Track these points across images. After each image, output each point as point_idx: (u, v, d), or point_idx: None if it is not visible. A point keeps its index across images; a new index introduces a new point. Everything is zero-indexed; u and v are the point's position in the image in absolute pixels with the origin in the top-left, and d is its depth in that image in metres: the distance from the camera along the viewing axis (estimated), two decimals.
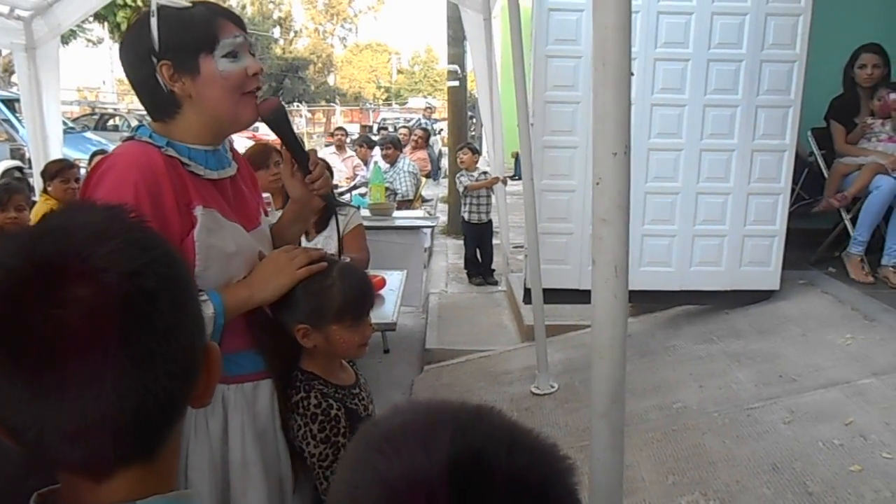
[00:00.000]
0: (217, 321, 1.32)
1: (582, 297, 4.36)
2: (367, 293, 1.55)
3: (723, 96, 4.04)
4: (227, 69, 1.34)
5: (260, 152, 3.28)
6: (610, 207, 1.22)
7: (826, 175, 4.66)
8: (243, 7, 35.81)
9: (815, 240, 4.74)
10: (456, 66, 8.18)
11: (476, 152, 6.40)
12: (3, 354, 0.56)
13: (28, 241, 0.58)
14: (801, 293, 4.28)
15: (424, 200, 8.37)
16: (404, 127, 12.61)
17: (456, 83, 8.27)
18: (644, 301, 4.48)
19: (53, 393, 0.56)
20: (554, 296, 4.15)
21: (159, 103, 1.36)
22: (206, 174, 1.39)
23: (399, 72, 55.97)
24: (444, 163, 12.98)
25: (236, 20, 1.39)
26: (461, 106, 8.54)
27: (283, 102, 1.58)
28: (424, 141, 8.88)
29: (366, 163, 8.18)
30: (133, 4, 18.08)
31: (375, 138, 10.42)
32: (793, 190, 4.30)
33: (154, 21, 1.30)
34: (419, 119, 15.02)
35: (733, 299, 4.31)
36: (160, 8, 1.30)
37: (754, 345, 3.83)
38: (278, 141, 1.59)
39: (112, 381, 0.57)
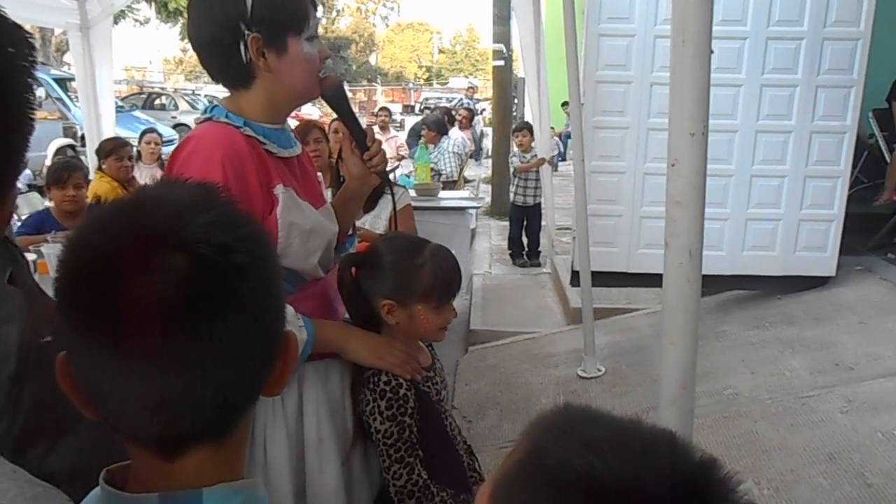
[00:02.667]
0: (306, 350, 1.36)
1: (630, 279, 4.32)
2: (456, 277, 1.56)
3: (781, 76, 3.92)
4: (309, 52, 1.37)
5: (301, 129, 3.31)
6: (685, 189, 1.19)
7: (888, 158, 4.50)
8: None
9: (873, 225, 4.59)
10: (501, 46, 8.08)
11: (527, 133, 6.34)
12: (94, 319, 0.56)
13: (125, 209, 0.59)
14: (859, 280, 4.16)
15: (467, 181, 8.33)
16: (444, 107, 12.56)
17: (501, 62, 8.18)
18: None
19: (140, 362, 0.55)
20: (601, 278, 4.10)
21: (232, 71, 1.35)
22: (279, 153, 1.40)
23: (440, 51, 55.69)
24: (487, 143, 12.93)
25: (315, 3, 1.40)
26: (506, 86, 8.46)
27: (342, 80, 1.58)
28: (468, 121, 8.83)
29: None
30: None
31: (417, 118, 10.38)
32: (851, 173, 4.17)
33: None
34: (461, 99, 14.94)
35: (787, 285, 4.21)
36: None
37: (808, 332, 3.74)
38: (320, 118, 1.59)
39: (198, 355, 0.56)
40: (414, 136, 8.91)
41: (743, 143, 4.02)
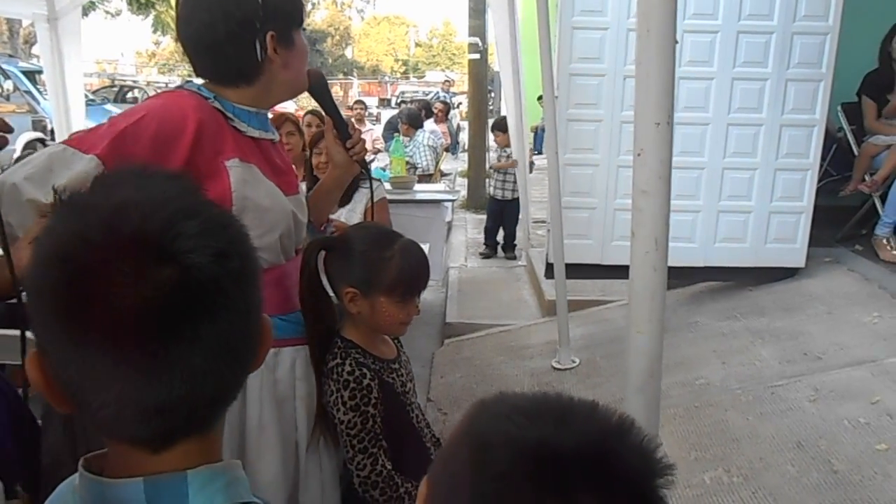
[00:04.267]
0: None
1: (604, 272, 4.34)
2: (422, 274, 1.57)
3: (752, 69, 3.96)
4: (305, 43, 1.47)
5: (275, 121, 3.29)
6: (651, 178, 1.20)
7: (856, 152, 4.58)
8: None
9: (841, 217, 4.67)
10: (477, 39, 8.09)
11: (506, 131, 6.36)
12: (90, 332, 0.55)
13: (108, 214, 0.57)
14: (827, 271, 4.22)
15: (443, 174, 8.33)
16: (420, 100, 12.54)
17: (477, 56, 8.19)
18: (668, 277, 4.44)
19: (139, 373, 0.55)
20: (576, 271, 4.12)
21: (242, 69, 1.38)
22: (247, 131, 1.43)
23: (417, 45, 55.55)
24: (463, 137, 12.93)
25: None
26: (482, 79, 8.46)
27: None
28: (444, 114, 8.82)
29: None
30: None
31: (393, 112, 10.35)
32: (820, 166, 4.23)
33: None
34: (438, 92, 14.92)
35: (758, 276, 4.26)
36: None
37: (778, 322, 3.80)
38: (296, 111, 1.63)
39: (198, 360, 0.57)
40: (390, 129, 8.89)
41: (714, 136, 4.06)
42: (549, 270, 4.08)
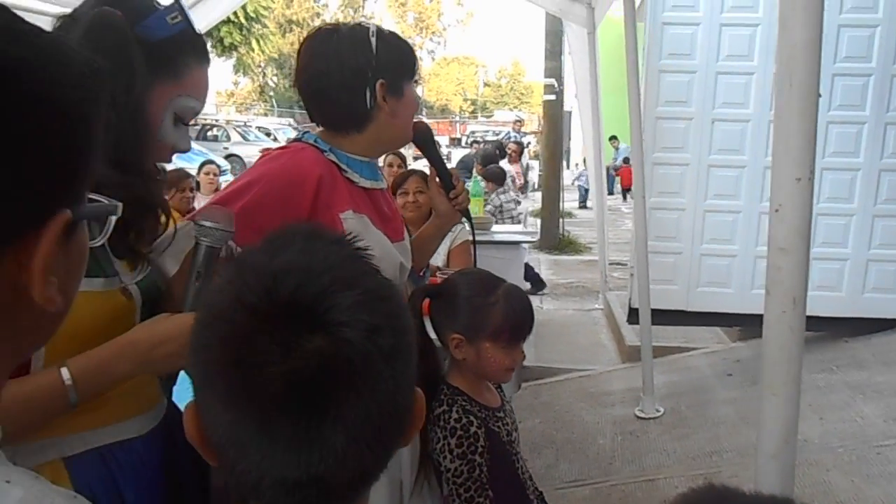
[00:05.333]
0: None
1: (689, 318, 4.23)
2: (527, 319, 1.56)
3: (848, 113, 3.84)
4: (417, 96, 1.51)
5: (401, 175, 3.41)
6: (790, 235, 1.15)
7: None
8: (337, 21, 36.70)
9: None
10: (553, 80, 8.12)
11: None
12: (238, 395, 0.55)
13: (267, 277, 0.57)
14: None
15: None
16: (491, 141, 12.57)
17: (552, 97, 8.20)
18: (752, 325, 4.28)
19: (278, 444, 0.54)
20: (659, 316, 4.01)
21: (353, 115, 1.44)
22: (360, 182, 1.47)
23: (486, 84, 56.19)
24: (533, 176, 12.92)
25: None
26: (557, 120, 8.46)
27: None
28: (518, 155, 8.84)
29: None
30: (236, 21, 18.93)
31: (468, 151, 10.41)
32: None
33: (374, 41, 1.40)
34: (509, 132, 14.98)
35: (854, 327, 4.06)
36: (378, 30, 1.43)
37: (880, 377, 3.60)
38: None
39: (339, 441, 0.55)
40: (463, 168, 8.95)
41: (752, 179, 3.95)
42: (633, 315, 3.99)
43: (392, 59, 1.43)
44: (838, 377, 3.71)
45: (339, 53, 1.41)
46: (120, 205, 0.59)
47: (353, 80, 1.41)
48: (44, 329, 0.53)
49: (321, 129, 1.50)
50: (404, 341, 0.60)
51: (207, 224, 1.09)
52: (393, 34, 1.48)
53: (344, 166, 1.45)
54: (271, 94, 37.17)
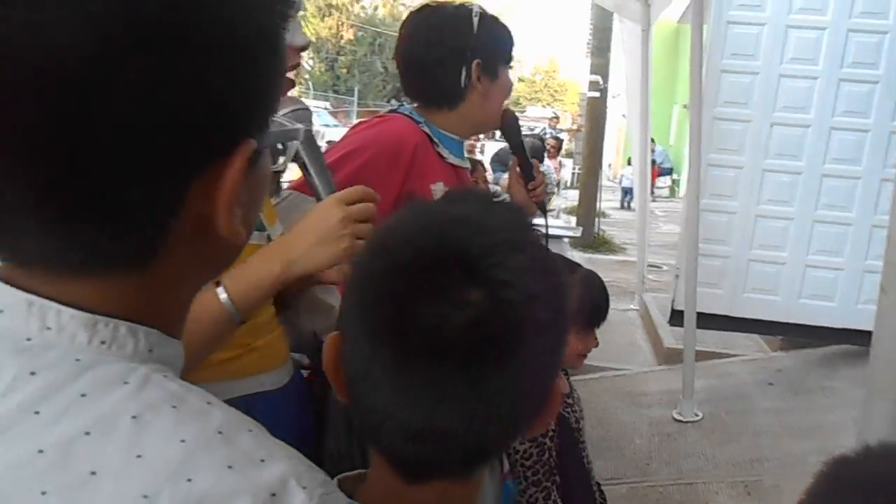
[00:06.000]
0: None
1: (732, 324, 4.17)
2: (603, 305, 1.56)
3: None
4: (511, 82, 1.55)
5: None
6: None
7: None
8: (375, 9, 36.80)
9: None
10: (598, 77, 8.04)
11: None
12: (381, 332, 0.54)
13: (440, 223, 0.56)
14: None
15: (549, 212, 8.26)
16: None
17: (597, 94, 8.12)
18: (797, 335, 4.22)
19: (409, 389, 0.53)
20: (701, 320, 3.96)
21: (447, 91, 1.47)
22: (448, 158, 1.50)
23: (519, 79, 55.92)
24: (565, 174, 12.85)
25: None
26: (600, 118, 8.38)
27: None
28: (556, 151, 8.78)
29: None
30: None
31: (502, 145, 10.35)
32: None
33: (476, 21, 1.43)
34: (544, 128, 14.92)
35: None
36: (481, 13, 1.46)
37: None
38: None
39: (472, 399, 0.53)
40: (497, 161, 8.91)
41: (865, 191, 3.85)
42: (676, 317, 3.94)
43: (491, 42, 1.47)
44: None
45: (441, 29, 1.44)
46: (302, 128, 0.57)
47: (450, 57, 1.44)
48: (225, 260, 0.53)
49: (415, 104, 1.52)
50: (561, 319, 0.58)
51: (282, 121, 1.05)
52: (495, 18, 1.50)
53: (436, 140, 1.48)
54: (306, 76, 37.35)
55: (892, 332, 1.22)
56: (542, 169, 5.71)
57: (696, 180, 3.51)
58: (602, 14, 7.88)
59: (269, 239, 1.03)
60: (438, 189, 1.43)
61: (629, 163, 14.48)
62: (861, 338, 4.04)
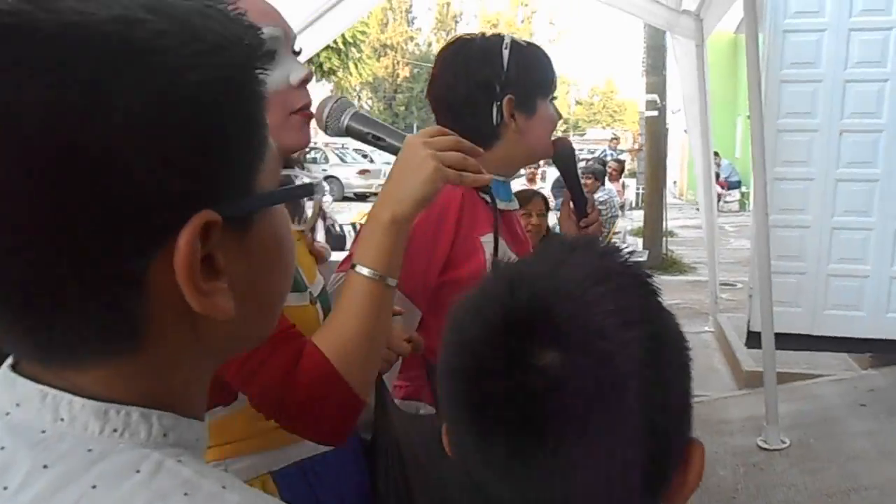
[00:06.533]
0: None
1: (814, 343, 3.98)
2: None
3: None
4: (553, 114, 1.42)
5: (522, 193, 3.37)
6: None
7: None
8: (429, 45, 37.44)
9: None
10: (655, 96, 7.91)
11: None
12: (464, 409, 0.52)
13: (505, 289, 0.52)
14: None
15: (615, 233, 8.13)
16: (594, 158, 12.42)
17: (655, 113, 7.99)
18: (890, 351, 3.97)
19: (497, 460, 0.51)
20: (781, 341, 3.78)
21: (480, 130, 1.36)
22: (497, 204, 1.38)
23: (577, 103, 55.74)
24: (629, 195, 12.64)
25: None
26: (659, 137, 8.24)
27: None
28: (619, 173, 8.66)
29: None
30: (335, 46, 19.55)
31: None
32: None
33: (506, 53, 1.34)
34: (605, 150, 14.76)
35: None
36: (513, 43, 1.36)
37: None
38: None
39: (558, 471, 0.50)
40: (558, 187, 8.84)
41: (887, 193, 3.66)
42: (752, 339, 3.78)
43: (524, 74, 1.36)
44: None
45: (468, 65, 1.35)
46: (319, 181, 0.55)
47: (478, 94, 1.35)
48: (235, 333, 0.49)
49: None
50: (666, 375, 0.52)
51: (333, 109, 1.02)
52: (532, 46, 1.40)
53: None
54: None
55: None
56: (604, 192, 5.64)
57: (763, 195, 3.36)
58: (655, 33, 7.77)
59: (311, 297, 1.00)
60: (488, 241, 1.33)
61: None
62: None
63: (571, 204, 1.56)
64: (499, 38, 1.38)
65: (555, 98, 1.44)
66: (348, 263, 0.96)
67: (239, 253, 0.45)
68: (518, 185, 8.52)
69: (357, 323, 0.88)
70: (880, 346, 3.81)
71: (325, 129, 1.02)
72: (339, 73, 22.53)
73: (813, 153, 3.74)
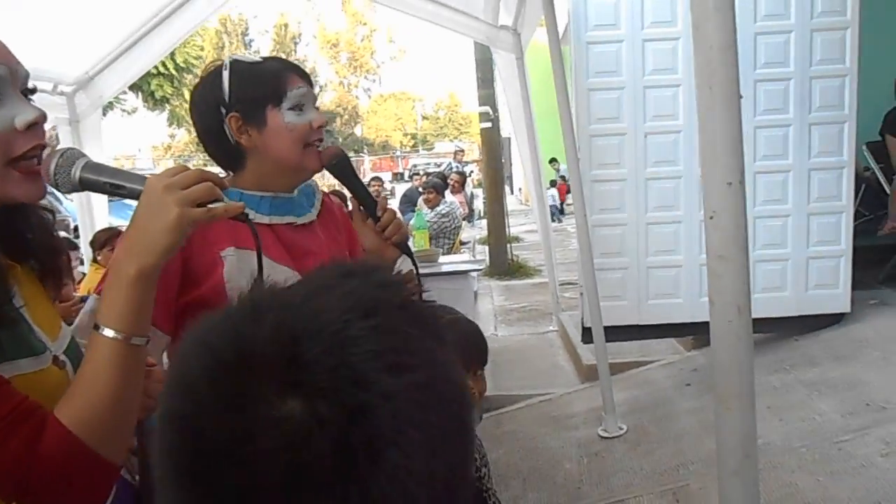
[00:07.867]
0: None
1: (642, 332, 4.23)
2: (472, 349, 1.50)
3: (773, 116, 3.93)
4: (292, 121, 1.37)
5: None
6: (726, 242, 1.12)
7: (887, 190, 4.49)
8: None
9: (881, 257, 4.54)
10: (487, 108, 8.18)
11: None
12: (182, 470, 0.43)
13: (246, 318, 0.43)
14: (875, 314, 4.08)
15: (463, 243, 8.29)
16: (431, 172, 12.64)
17: (489, 124, 8.26)
18: (704, 332, 4.30)
19: None
20: (613, 333, 4.00)
21: (226, 154, 1.40)
22: (255, 218, 1.31)
23: (424, 118, 56.66)
24: (478, 204, 12.98)
25: (303, 74, 1.42)
26: (495, 147, 8.52)
27: (344, 150, 1.53)
28: (461, 185, 8.86)
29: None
30: (167, 73, 18.66)
31: (411, 185, 10.43)
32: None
33: (226, 74, 1.35)
34: (450, 163, 15.07)
35: (802, 325, 4.12)
36: (233, 62, 1.37)
37: (832, 372, 3.64)
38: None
39: None
40: (406, 203, 8.92)
41: (690, 188, 4.02)
42: (587, 335, 3.97)
43: (245, 89, 1.35)
44: (793, 376, 3.74)
45: (200, 95, 1.39)
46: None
47: (210, 121, 1.38)
48: None
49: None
50: (434, 436, 0.42)
51: (60, 164, 0.94)
52: (256, 63, 1.38)
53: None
54: None
55: (725, 342, 1.21)
56: (445, 205, 5.69)
57: (581, 198, 3.56)
58: (482, 47, 8.03)
59: (54, 359, 0.92)
60: (229, 254, 1.32)
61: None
62: (764, 325, 4.17)
63: (360, 209, 1.48)
64: (218, 62, 1.40)
65: (301, 106, 1.38)
66: (104, 284, 0.91)
67: None
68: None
69: (103, 389, 0.82)
70: (699, 329, 4.11)
71: (57, 187, 0.94)
72: (173, 101, 21.56)
73: (624, 155, 3.99)
